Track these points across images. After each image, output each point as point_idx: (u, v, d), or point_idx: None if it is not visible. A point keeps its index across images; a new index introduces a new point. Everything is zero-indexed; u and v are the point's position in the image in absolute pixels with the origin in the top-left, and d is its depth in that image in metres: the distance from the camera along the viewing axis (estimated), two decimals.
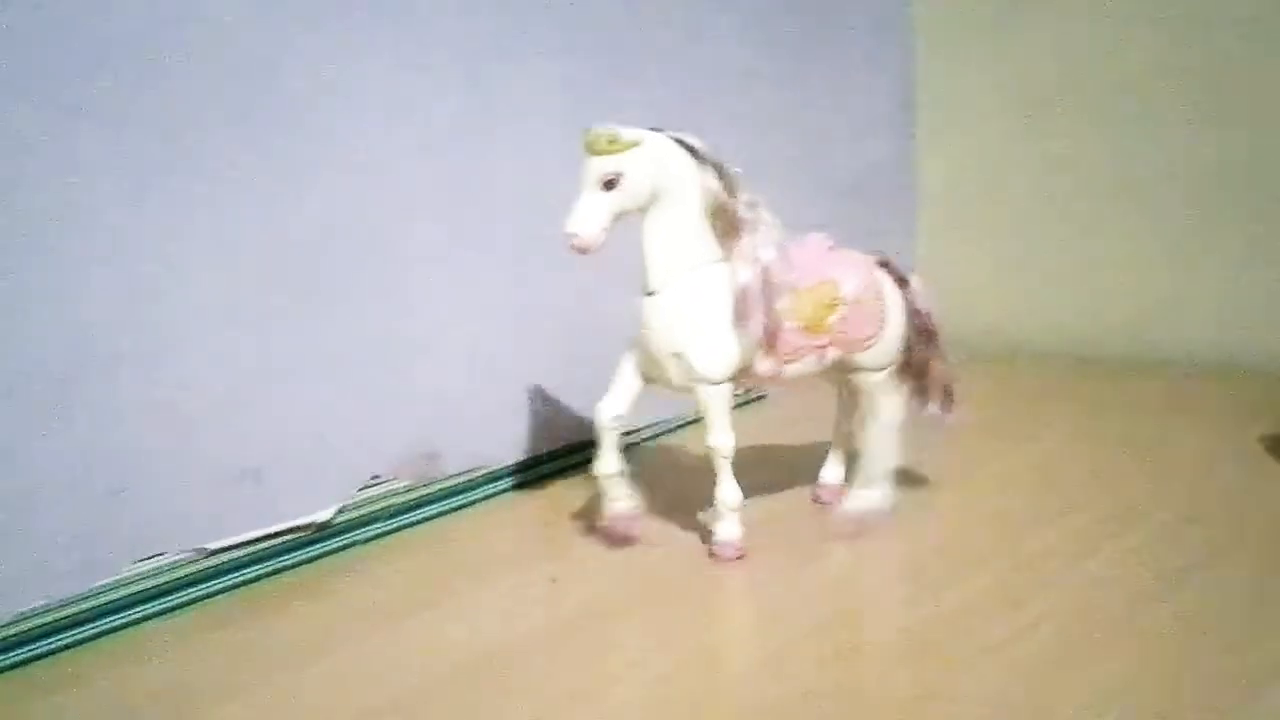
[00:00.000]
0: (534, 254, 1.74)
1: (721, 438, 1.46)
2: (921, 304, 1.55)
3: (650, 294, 1.43)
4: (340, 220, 1.57)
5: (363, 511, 1.62)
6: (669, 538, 1.56)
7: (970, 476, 1.72)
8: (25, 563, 1.32)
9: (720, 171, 1.42)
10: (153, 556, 1.43)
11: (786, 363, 1.46)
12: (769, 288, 1.42)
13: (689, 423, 1.95)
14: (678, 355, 1.43)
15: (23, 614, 1.32)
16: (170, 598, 1.44)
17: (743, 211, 1.43)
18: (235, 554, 1.49)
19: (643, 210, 1.40)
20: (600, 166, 1.36)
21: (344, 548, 1.59)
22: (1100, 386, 2.20)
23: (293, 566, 1.54)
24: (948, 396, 1.58)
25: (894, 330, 1.52)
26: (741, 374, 1.45)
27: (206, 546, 1.47)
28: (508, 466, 1.80)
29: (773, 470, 1.72)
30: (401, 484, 1.67)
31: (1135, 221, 2.34)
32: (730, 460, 1.47)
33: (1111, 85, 2.32)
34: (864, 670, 1.24)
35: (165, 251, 1.41)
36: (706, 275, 1.43)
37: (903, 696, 1.17)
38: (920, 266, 2.54)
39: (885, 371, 1.53)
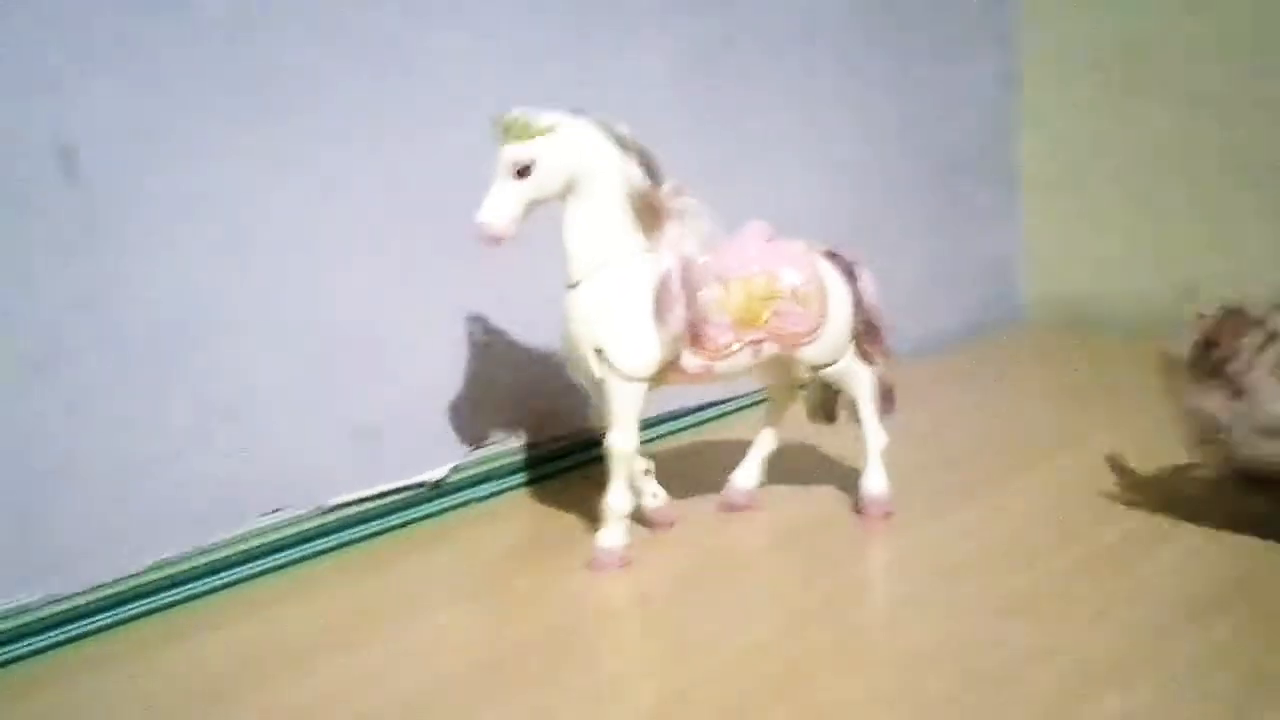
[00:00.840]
0: None
1: (619, 437, 1.38)
2: (869, 298, 1.42)
3: (572, 286, 1.38)
4: (463, 180, 1.59)
5: (477, 470, 1.66)
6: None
7: (1061, 450, 1.71)
8: (159, 514, 1.40)
9: (643, 158, 1.34)
10: (274, 511, 1.46)
11: (717, 359, 1.37)
12: (690, 280, 1.33)
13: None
14: (599, 350, 1.36)
15: (159, 562, 1.41)
16: (289, 551, 1.49)
17: (666, 200, 1.35)
18: (352, 510, 1.52)
19: (560, 199, 1.34)
20: (512, 154, 1.30)
21: (457, 506, 1.64)
22: None
23: (407, 524, 1.59)
24: (886, 397, 1.46)
25: (838, 325, 1.40)
26: (670, 371, 1.38)
27: (325, 503, 1.49)
28: None
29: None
30: (515, 445, 1.68)
31: (1243, 200, 2.29)
32: (627, 463, 1.39)
33: (1219, 59, 2.28)
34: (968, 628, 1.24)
35: (290, 216, 1.48)
36: (629, 267, 1.35)
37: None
38: (1023, 242, 2.56)
39: (845, 361, 1.43)
